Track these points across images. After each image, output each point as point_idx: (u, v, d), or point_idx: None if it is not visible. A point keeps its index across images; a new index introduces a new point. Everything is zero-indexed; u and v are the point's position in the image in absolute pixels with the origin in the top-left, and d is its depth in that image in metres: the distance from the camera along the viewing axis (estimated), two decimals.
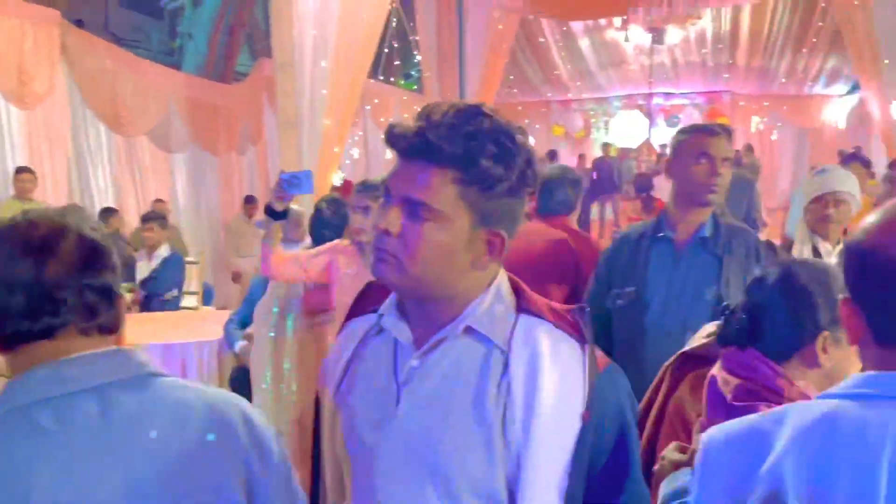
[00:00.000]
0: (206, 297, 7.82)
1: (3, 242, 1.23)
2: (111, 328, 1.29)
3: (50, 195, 7.81)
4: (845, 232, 3.26)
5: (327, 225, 4.12)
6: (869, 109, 11.94)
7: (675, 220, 2.72)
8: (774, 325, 1.65)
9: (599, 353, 1.36)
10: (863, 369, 1.18)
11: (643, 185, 10.38)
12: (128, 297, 6.44)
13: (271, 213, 3.49)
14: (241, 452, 1.29)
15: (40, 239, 1.23)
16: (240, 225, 9.93)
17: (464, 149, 1.23)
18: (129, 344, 1.36)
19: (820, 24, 14.55)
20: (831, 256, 3.29)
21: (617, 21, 15.22)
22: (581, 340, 1.32)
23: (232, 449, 1.28)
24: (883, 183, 3.15)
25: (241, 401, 1.37)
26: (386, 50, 9.71)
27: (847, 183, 3.34)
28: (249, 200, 10.12)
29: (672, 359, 2.05)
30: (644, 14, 10.75)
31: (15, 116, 7.65)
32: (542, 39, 16.14)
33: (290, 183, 3.40)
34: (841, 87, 17.50)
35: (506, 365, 1.29)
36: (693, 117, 18.42)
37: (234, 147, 11.20)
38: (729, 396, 1.61)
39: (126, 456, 1.21)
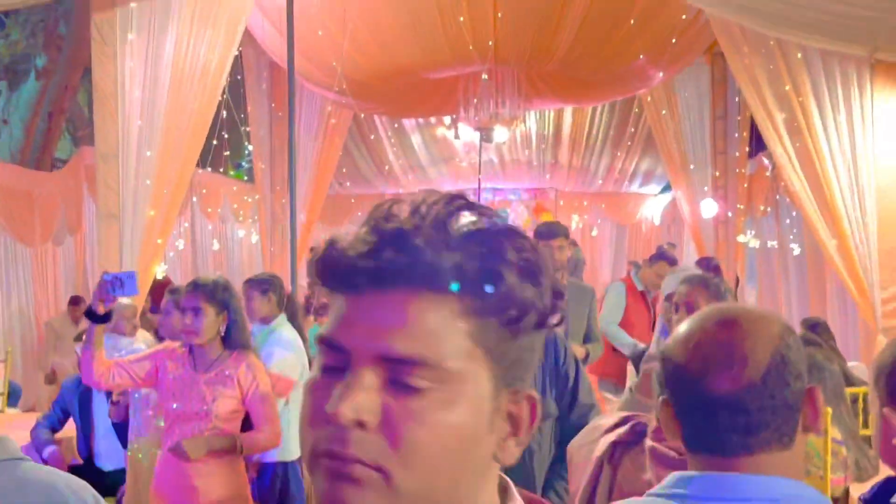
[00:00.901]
0: (12, 397, 7.33)
1: None
2: None
3: None
4: None
5: None
6: (680, 208, 12.81)
7: None
8: None
9: None
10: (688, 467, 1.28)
11: None
12: None
13: (92, 315, 3.32)
14: None
15: None
16: (63, 326, 9.32)
17: (480, 259, 0.75)
18: None
19: (633, 129, 15.65)
20: None
21: (447, 119, 15.78)
22: None
23: None
24: (680, 284, 3.36)
25: (90, 488, 1.61)
26: (215, 142, 9.63)
27: None
28: (75, 302, 9.50)
29: (604, 449, 2.20)
30: (472, 114, 11.18)
31: None
32: (373, 136, 16.49)
33: (114, 284, 3.27)
34: (655, 187, 18.70)
35: None
36: (520, 212, 19.17)
37: (49, 237, 10.67)
38: (674, 455, 1.83)
39: None
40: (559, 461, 2.72)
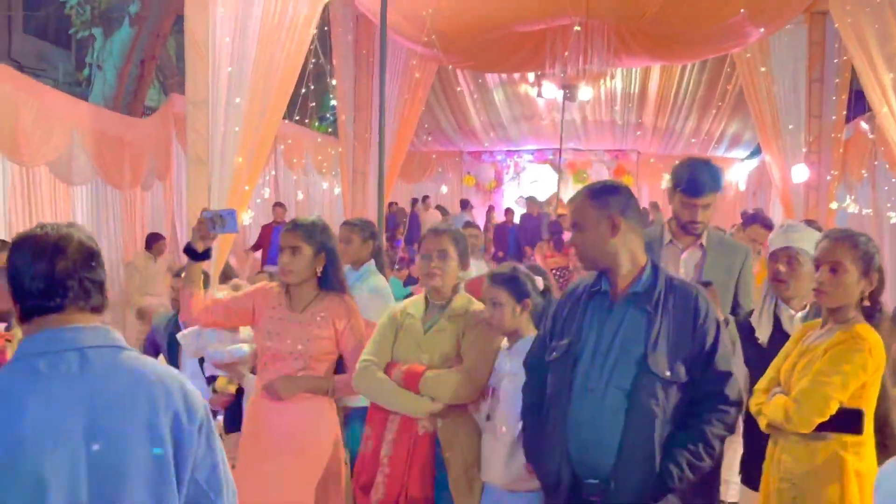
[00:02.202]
0: None
1: (26, 245, 1.78)
2: (99, 309, 1.83)
3: None
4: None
5: None
6: (769, 172, 12.37)
7: (614, 273, 2.61)
8: None
9: None
10: None
11: (555, 229, 11.08)
12: (19, 332, 6.07)
13: (192, 253, 3.27)
14: (173, 408, 1.79)
15: (53, 243, 1.77)
16: (143, 262, 9.59)
17: None
18: None
19: (728, 86, 15.05)
20: (794, 323, 3.19)
21: (530, 76, 15.49)
22: None
23: (166, 405, 1.78)
24: (822, 239, 3.11)
25: (181, 375, 1.90)
26: (303, 90, 9.60)
27: (804, 240, 3.24)
28: (154, 238, 9.79)
29: None
30: (559, 70, 10.92)
31: None
32: (459, 88, 16.30)
33: (214, 222, 3.21)
34: (742, 152, 18.16)
35: None
36: (601, 173, 18.81)
37: (139, 182, 10.84)
38: None
39: (90, 399, 1.71)
40: (684, 430, 2.47)
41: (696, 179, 3.35)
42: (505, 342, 3.15)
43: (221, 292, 4.64)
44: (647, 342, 2.47)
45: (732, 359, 2.56)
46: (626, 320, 2.55)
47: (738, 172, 18.54)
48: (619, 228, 2.56)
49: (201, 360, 5.15)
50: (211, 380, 4.91)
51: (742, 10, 8.25)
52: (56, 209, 9.50)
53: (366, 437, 3.19)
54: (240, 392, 4.67)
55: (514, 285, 3.09)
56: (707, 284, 3.11)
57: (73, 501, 1.65)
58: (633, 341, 2.50)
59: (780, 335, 3.24)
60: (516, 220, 16.63)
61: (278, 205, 12.30)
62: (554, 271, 10.20)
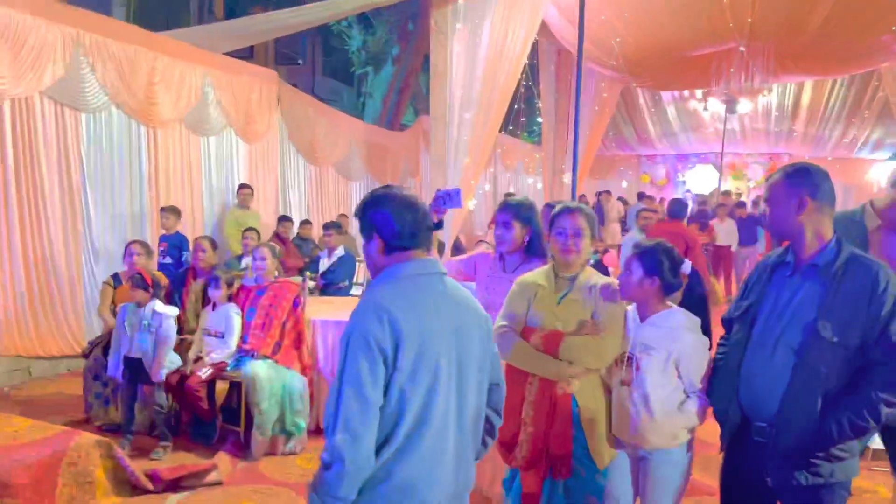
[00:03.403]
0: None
1: (391, 201, 1.86)
2: (430, 248, 1.91)
3: (262, 206, 7.90)
4: None
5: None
6: None
7: (798, 245, 2.21)
8: None
9: None
10: None
11: (702, 216, 10.94)
12: (310, 283, 6.38)
13: None
14: (482, 311, 1.96)
15: (412, 201, 1.87)
16: None
17: None
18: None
19: (881, 92, 13.07)
20: None
21: (698, 93, 14.44)
22: None
23: (478, 309, 1.95)
24: (891, 187, 2.48)
25: None
26: (516, 108, 9.42)
27: None
28: None
29: None
30: (724, 87, 10.00)
31: (242, 147, 7.80)
32: (642, 101, 15.49)
33: (444, 199, 3.12)
34: (884, 154, 16.03)
35: None
36: (756, 173, 17.33)
37: (397, 178, 11.17)
38: None
39: (453, 307, 1.86)
40: (851, 392, 2.04)
41: None
42: (633, 311, 2.60)
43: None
44: (819, 311, 2.07)
45: None
46: (802, 288, 2.15)
47: (877, 172, 16.39)
48: (805, 207, 2.14)
49: None
50: None
51: (894, 28, 7.10)
52: (338, 198, 9.96)
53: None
54: None
55: (646, 258, 2.53)
56: None
57: (450, 371, 1.83)
58: (806, 307, 2.10)
59: None
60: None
61: (508, 195, 12.29)
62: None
